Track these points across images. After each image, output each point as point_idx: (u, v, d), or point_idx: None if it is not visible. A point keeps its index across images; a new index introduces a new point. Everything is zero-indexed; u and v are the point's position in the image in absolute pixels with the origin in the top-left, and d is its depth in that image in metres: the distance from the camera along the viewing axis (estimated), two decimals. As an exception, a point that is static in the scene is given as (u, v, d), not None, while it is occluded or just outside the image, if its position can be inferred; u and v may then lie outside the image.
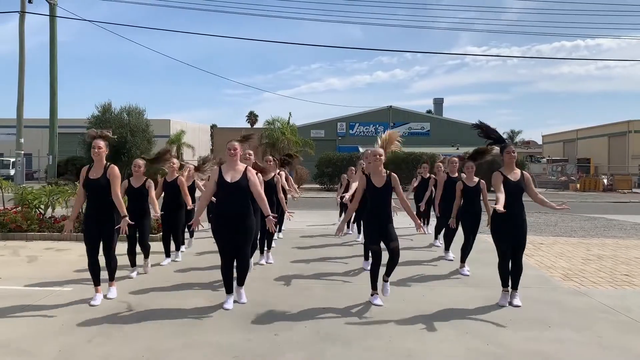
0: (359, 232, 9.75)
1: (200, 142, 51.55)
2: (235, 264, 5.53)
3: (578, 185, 36.08)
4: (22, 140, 18.41)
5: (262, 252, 7.78)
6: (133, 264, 6.89)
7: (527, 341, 4.55)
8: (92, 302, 5.43)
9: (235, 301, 5.53)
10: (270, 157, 8.24)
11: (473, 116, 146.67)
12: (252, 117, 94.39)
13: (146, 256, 7.01)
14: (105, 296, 5.62)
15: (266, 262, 7.76)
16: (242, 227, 5.35)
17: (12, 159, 44.34)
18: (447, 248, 8.40)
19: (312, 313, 5.31)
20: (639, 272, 7.53)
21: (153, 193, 6.93)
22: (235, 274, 5.61)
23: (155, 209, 7.15)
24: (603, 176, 38.12)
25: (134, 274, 6.80)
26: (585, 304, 5.79)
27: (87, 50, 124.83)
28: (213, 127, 69.98)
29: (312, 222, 13.27)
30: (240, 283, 5.67)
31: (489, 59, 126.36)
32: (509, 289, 5.73)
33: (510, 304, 5.62)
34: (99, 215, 5.45)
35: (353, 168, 10.88)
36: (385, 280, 5.70)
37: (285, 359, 4.09)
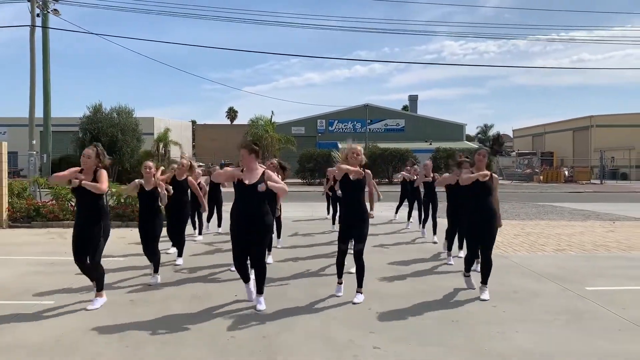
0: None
1: (182, 138, 52.92)
2: (253, 270, 5.65)
3: (541, 177, 38.89)
4: (34, 142, 20.26)
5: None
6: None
7: (452, 283, 6.76)
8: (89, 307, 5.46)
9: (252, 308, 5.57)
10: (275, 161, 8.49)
11: (449, 110, 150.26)
12: (232, 113, 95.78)
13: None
14: (86, 308, 5.46)
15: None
16: (258, 227, 5.45)
17: None
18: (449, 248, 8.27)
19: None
20: (553, 243, 9.85)
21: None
22: (252, 278, 5.73)
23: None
24: (564, 168, 40.97)
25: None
26: (502, 263, 8.01)
27: (56, 44, 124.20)
28: (193, 123, 71.44)
29: (298, 214, 15.37)
30: (260, 291, 5.57)
31: (466, 54, 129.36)
32: (471, 274, 6.45)
33: (480, 298, 6.01)
34: (84, 221, 5.42)
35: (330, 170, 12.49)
36: (358, 292, 5.90)
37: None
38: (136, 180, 6.80)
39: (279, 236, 9.31)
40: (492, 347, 4.47)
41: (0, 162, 11.42)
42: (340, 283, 6.14)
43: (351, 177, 5.72)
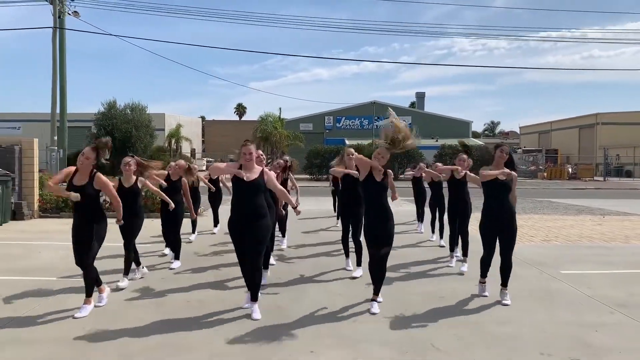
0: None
1: (192, 134, 53.97)
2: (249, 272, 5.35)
3: (545, 174, 39.55)
4: (55, 138, 21.31)
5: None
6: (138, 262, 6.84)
7: (442, 268, 7.62)
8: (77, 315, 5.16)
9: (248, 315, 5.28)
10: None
11: (458, 106, 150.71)
12: (240, 109, 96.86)
13: (136, 263, 6.79)
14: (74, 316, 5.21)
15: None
16: (256, 228, 5.16)
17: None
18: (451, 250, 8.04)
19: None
20: (542, 235, 10.67)
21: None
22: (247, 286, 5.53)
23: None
24: (568, 165, 41.60)
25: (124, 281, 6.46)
26: (491, 251, 8.86)
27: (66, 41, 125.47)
28: (202, 118, 72.62)
29: (305, 208, 16.23)
30: (254, 298, 5.30)
31: (476, 49, 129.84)
32: (486, 280, 6.04)
33: (500, 302, 5.77)
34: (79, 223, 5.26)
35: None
36: (374, 300, 5.55)
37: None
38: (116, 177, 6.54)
39: (283, 235, 9.32)
40: (470, 316, 5.35)
41: (32, 157, 12.40)
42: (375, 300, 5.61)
43: (377, 178, 5.44)
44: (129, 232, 6.36)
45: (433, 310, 5.51)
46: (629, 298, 6.01)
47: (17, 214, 12.26)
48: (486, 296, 5.99)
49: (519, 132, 71.42)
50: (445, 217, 8.40)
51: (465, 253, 7.63)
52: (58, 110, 24.31)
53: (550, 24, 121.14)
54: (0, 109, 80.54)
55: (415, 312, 5.44)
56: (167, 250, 8.12)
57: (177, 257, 7.61)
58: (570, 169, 40.00)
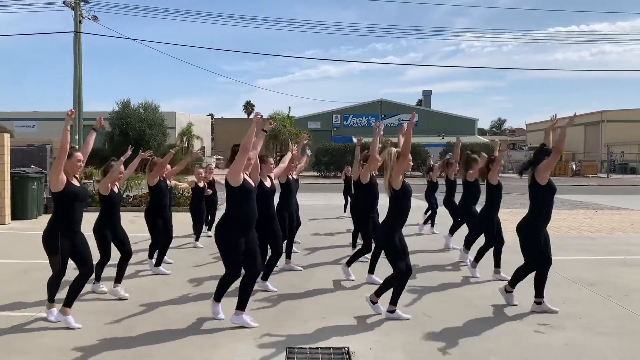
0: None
1: (202, 133, 54.83)
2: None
3: (549, 171, 40.23)
4: (76, 137, 22.39)
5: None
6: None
7: (447, 259, 8.51)
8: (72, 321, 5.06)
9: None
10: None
11: (467, 103, 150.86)
12: (249, 107, 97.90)
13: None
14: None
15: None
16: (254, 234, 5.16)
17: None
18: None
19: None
20: (534, 227, 11.49)
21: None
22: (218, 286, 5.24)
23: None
24: (572, 162, 42.27)
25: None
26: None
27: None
28: (211, 116, 73.69)
29: (314, 202, 17.18)
30: (218, 298, 5.21)
31: (484, 46, 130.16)
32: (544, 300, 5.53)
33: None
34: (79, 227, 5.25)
35: (349, 167, 12.05)
36: (391, 311, 5.31)
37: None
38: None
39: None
40: (461, 294, 6.28)
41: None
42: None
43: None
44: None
45: (429, 289, 6.41)
46: (599, 278, 6.90)
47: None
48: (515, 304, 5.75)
49: (525, 129, 71.90)
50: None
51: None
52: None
53: (559, 20, 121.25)
54: (15, 107, 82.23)
55: (414, 290, 6.33)
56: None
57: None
58: (574, 166, 40.66)
